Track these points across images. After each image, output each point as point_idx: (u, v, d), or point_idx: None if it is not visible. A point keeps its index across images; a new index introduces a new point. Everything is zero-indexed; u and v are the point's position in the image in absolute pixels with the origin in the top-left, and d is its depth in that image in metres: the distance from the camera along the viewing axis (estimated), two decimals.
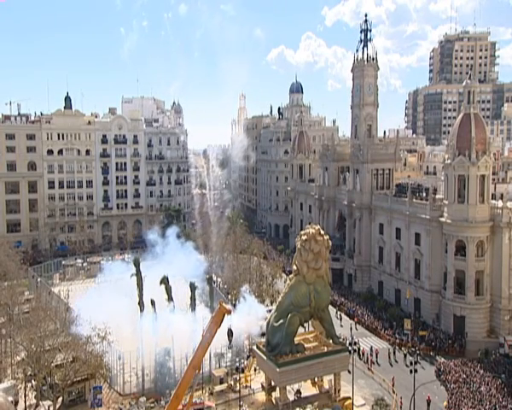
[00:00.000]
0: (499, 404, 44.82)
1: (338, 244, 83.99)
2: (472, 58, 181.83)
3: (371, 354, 56.17)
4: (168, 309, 53.66)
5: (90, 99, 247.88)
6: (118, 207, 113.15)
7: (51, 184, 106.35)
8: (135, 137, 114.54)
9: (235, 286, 66.95)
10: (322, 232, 46.52)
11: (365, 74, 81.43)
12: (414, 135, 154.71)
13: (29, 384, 44.09)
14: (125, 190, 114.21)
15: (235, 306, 51.42)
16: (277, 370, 42.68)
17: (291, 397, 45.00)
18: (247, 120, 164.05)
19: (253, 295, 54.25)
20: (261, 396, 46.64)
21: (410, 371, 41.41)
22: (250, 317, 46.43)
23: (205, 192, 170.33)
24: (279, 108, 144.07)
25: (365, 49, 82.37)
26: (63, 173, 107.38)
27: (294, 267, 46.71)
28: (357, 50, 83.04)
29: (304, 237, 45.66)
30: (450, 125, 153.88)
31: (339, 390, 45.65)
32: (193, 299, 56.66)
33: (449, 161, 60.38)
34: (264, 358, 44.79)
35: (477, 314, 58.87)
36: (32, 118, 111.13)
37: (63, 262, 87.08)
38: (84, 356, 43.36)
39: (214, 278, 63.51)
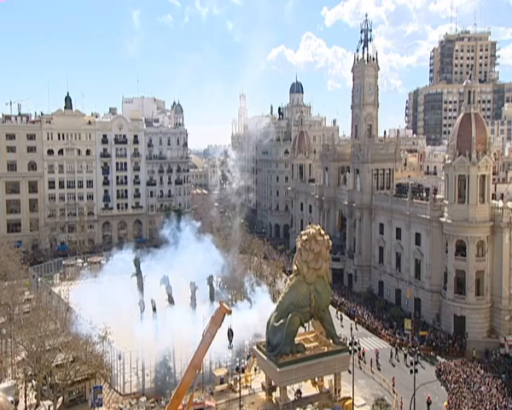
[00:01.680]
0: (499, 404, 44.80)
1: (338, 244, 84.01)
2: (472, 58, 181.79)
3: (377, 358, 55.90)
4: (168, 309, 53.69)
5: (90, 99, 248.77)
6: (118, 207, 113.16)
7: (52, 184, 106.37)
8: (135, 137, 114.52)
9: (236, 286, 67.00)
10: (322, 232, 46.54)
11: (365, 74, 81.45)
12: (414, 135, 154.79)
13: (29, 384, 44.12)
14: (126, 190, 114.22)
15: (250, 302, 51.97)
16: (278, 370, 42.69)
17: (291, 397, 45.03)
18: (247, 119, 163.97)
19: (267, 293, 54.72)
20: (261, 396, 46.65)
21: (411, 372, 41.38)
22: (261, 314, 46.79)
23: (205, 192, 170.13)
24: (279, 108, 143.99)
25: (365, 49, 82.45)
26: (63, 173, 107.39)
27: (295, 267, 46.71)
28: (357, 50, 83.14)
29: (304, 237, 45.67)
30: (450, 125, 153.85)
31: (339, 390, 45.68)
32: (193, 299, 56.68)
33: (449, 161, 60.36)
34: (265, 358, 44.81)
35: (477, 314, 58.85)
36: (33, 118, 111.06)
37: (63, 262, 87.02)
38: (85, 356, 43.40)
39: (214, 278, 63.46)
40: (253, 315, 47.38)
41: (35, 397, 45.06)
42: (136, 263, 60.65)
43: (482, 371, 51.07)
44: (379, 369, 54.34)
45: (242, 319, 44.38)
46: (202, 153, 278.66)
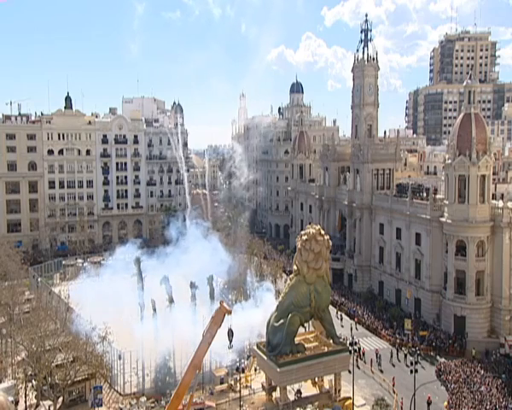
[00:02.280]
0: (500, 404, 44.78)
1: (338, 244, 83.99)
2: (472, 58, 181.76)
3: (379, 358, 55.58)
4: (168, 309, 53.70)
5: (90, 99, 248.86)
6: (118, 207, 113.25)
7: (52, 184, 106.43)
8: (135, 137, 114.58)
9: (236, 286, 67.00)
10: (322, 232, 46.53)
11: (366, 74, 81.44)
12: (414, 135, 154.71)
13: (29, 384, 44.11)
14: (126, 190, 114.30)
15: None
16: (278, 370, 42.68)
17: (291, 397, 45.02)
18: (247, 119, 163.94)
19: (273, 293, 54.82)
20: (261, 396, 46.64)
21: (411, 372, 41.37)
22: (265, 313, 46.88)
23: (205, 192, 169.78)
24: (279, 108, 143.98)
25: (366, 49, 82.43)
26: (64, 173, 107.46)
27: (295, 267, 46.71)
28: (357, 50, 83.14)
29: (304, 237, 45.66)
30: (450, 125, 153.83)
31: (339, 390, 45.67)
32: (193, 299, 56.67)
33: (449, 161, 60.36)
34: (265, 358, 44.78)
35: (477, 314, 58.85)
36: (33, 118, 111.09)
37: (63, 262, 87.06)
38: (85, 356, 43.40)
39: (215, 278, 63.49)
40: (258, 315, 47.33)
41: (35, 397, 45.06)
42: (136, 263, 60.68)
43: (482, 372, 51.06)
44: (381, 372, 53.63)
45: (246, 318, 44.47)
46: (202, 153, 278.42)
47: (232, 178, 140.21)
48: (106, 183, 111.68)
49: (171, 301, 56.10)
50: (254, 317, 46.84)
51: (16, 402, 43.48)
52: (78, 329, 47.61)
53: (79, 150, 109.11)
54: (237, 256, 79.89)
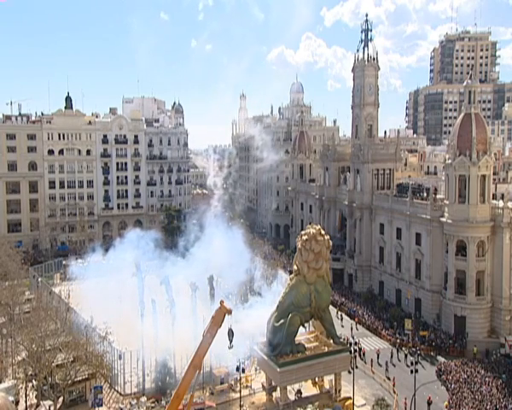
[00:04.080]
0: (500, 404, 44.79)
1: (338, 244, 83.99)
2: (473, 58, 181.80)
3: (386, 365, 55.05)
4: (169, 309, 53.65)
5: (90, 99, 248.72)
6: (118, 207, 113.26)
7: (52, 184, 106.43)
8: (135, 137, 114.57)
9: (237, 287, 66.90)
10: (322, 232, 46.53)
11: (366, 74, 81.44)
12: (415, 135, 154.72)
13: (30, 384, 44.14)
14: (126, 190, 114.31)
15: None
16: (278, 370, 42.67)
17: (292, 397, 45.03)
18: (247, 119, 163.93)
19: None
20: (262, 396, 46.64)
21: (411, 372, 41.38)
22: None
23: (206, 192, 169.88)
24: (279, 108, 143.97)
25: (366, 49, 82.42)
26: (64, 173, 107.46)
27: (295, 267, 46.71)
28: (357, 50, 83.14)
29: (304, 237, 45.66)
30: (450, 125, 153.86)
31: (339, 390, 45.67)
32: (193, 299, 56.60)
33: (450, 161, 60.37)
34: (265, 358, 44.78)
35: (478, 314, 58.85)
36: (33, 118, 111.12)
37: (64, 262, 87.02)
38: (85, 356, 43.41)
39: (215, 278, 63.43)
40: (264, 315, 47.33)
41: (35, 397, 45.08)
42: (137, 263, 60.61)
43: (482, 372, 51.07)
44: (388, 379, 52.06)
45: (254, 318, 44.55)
46: (202, 153, 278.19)
47: (238, 171, 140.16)
48: (106, 183, 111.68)
49: (172, 301, 56.05)
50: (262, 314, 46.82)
51: (16, 402, 43.48)
52: (79, 329, 47.61)
53: (80, 150, 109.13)
54: (238, 256, 79.88)
